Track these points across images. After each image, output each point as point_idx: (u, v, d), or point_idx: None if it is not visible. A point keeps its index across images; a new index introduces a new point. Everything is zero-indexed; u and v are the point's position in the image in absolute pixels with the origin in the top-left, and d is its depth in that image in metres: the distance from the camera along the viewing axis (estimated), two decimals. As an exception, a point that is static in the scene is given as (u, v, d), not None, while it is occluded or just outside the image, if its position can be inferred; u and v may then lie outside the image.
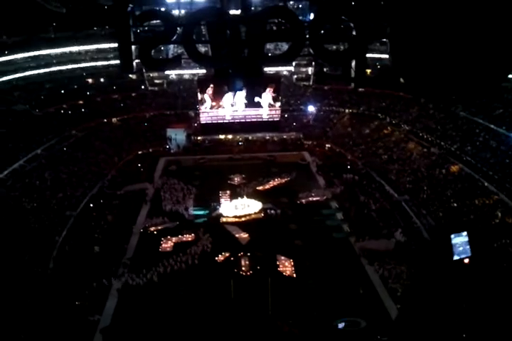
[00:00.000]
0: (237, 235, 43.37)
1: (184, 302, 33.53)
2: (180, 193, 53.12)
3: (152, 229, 44.96)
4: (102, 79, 73.32)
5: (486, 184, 44.55)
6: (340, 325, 30.35)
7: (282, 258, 38.85)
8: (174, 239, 42.70)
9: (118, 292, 35.33)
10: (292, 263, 38.11)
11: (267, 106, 60.58)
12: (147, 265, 37.94)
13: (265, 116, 61.34)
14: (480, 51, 6.95)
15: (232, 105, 60.96)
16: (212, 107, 62.09)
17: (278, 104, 62.39)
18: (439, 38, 6.94)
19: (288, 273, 37.19)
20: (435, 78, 7.25)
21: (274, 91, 60.27)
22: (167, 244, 41.99)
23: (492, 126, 51.61)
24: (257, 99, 60.76)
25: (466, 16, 6.74)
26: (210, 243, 41.65)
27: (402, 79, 7.68)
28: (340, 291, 34.25)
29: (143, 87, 74.57)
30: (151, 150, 65.94)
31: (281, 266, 37.97)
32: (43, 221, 43.47)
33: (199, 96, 61.84)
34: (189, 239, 42.81)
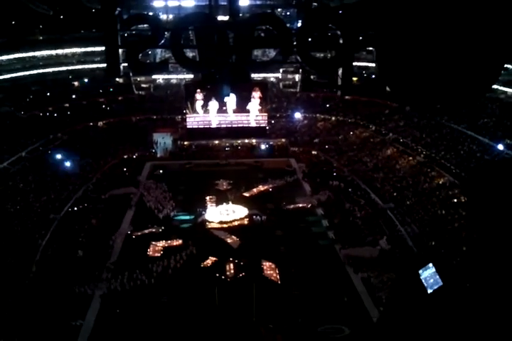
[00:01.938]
0: (228, 239, 43.29)
1: (168, 308, 33.33)
2: (157, 191, 54.16)
3: (138, 233, 44.63)
4: (88, 83, 72.85)
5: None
6: None
7: (267, 263, 38.81)
8: (162, 244, 42.45)
9: (101, 297, 34.99)
10: (277, 269, 38.07)
11: (255, 112, 60.61)
12: (131, 270, 37.63)
13: (252, 122, 61.38)
14: (465, 61, 7.02)
15: (218, 110, 60.97)
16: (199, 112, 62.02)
17: (264, 110, 62.43)
18: (425, 47, 7.00)
19: (273, 278, 37.16)
20: (420, 87, 7.30)
21: (260, 97, 60.32)
22: (156, 249, 41.73)
23: (476, 135, 52.19)
24: (243, 105, 60.76)
25: (452, 26, 6.81)
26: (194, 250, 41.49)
27: (387, 88, 7.72)
28: (324, 298, 34.23)
29: (129, 90, 74.31)
30: (136, 154, 65.64)
31: (266, 271, 37.93)
32: (26, 224, 42.99)
33: (186, 100, 61.76)
34: (177, 244, 42.56)
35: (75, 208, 49.47)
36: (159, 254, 40.84)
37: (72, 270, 37.44)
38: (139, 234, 44.52)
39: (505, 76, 49.84)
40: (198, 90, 59.31)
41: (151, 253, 41.22)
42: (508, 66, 48.14)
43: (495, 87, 52.53)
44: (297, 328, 30.97)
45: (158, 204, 51.09)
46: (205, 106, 60.87)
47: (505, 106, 53.48)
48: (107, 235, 43.78)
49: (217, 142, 67.75)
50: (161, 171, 61.13)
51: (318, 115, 73.09)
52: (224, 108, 61.16)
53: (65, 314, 32.40)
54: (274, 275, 37.45)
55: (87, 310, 33.47)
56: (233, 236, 43.67)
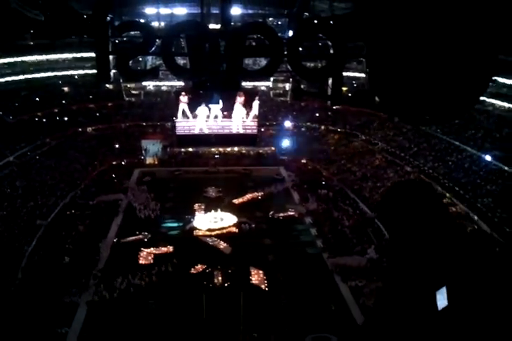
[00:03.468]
0: (220, 246, 43.21)
1: (155, 316, 33.09)
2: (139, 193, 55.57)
3: (126, 240, 44.29)
4: (78, 88, 72.54)
5: (457, 203, 45.23)
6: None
7: (255, 271, 38.75)
8: (152, 251, 42.19)
9: (87, 304, 34.69)
10: (265, 277, 38.01)
11: (240, 119, 60.58)
12: (118, 277, 37.38)
13: (240, 130, 61.30)
14: (454, 73, 7.09)
15: (207, 117, 60.88)
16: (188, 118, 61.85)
17: (254, 118, 62.26)
18: (414, 59, 7.07)
19: (260, 286, 37.13)
20: (409, 98, 7.36)
21: (244, 103, 60.22)
22: (146, 256, 41.46)
23: (464, 146, 52.68)
24: (233, 112, 60.75)
25: (441, 38, 6.88)
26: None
27: (377, 98, 7.78)
28: (312, 307, 34.16)
29: (119, 97, 74.12)
30: (125, 161, 65.39)
31: (254, 279, 37.89)
32: (12, 230, 42.58)
33: (176, 108, 61.61)
34: (167, 251, 42.38)
35: (63, 214, 49.07)
36: (149, 262, 40.61)
37: (59, 277, 37.10)
38: (127, 240, 44.23)
39: (493, 88, 50.44)
40: (188, 97, 59.18)
41: (141, 260, 40.97)
42: (496, 78, 48.89)
43: (483, 98, 53.19)
44: (284, 337, 30.88)
45: (141, 205, 52.00)
46: (194, 113, 60.73)
47: (493, 118, 54.02)
48: (95, 242, 43.47)
49: (206, 149, 67.73)
50: (148, 178, 60.98)
51: (307, 124, 73.29)
52: (213, 115, 61.04)
53: (51, 321, 32.10)
54: (262, 283, 37.40)
55: (73, 317, 33.19)
56: (224, 243, 43.66)
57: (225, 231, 46.57)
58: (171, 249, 42.61)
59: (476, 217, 42.27)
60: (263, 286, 37.13)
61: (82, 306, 34.46)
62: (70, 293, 35.28)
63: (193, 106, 59.00)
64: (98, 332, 31.62)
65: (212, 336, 30.32)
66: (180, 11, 41.99)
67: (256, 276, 38.17)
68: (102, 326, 32.22)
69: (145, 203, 52.59)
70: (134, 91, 76.16)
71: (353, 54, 8.78)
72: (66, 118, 67.44)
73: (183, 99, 58.21)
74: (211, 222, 47.69)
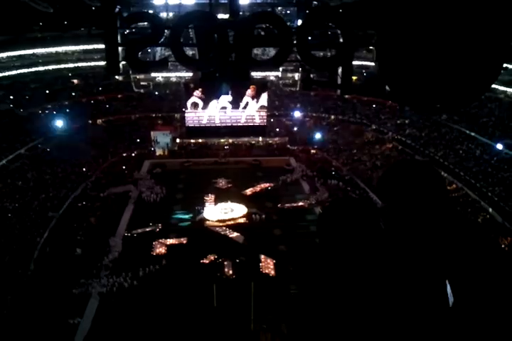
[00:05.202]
0: (231, 235, 43.41)
1: (166, 306, 33.30)
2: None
3: (137, 232, 44.59)
4: (87, 81, 72.70)
5: (468, 192, 45.02)
6: None
7: (265, 259, 38.94)
8: (164, 241, 42.50)
9: (99, 295, 35.00)
10: (274, 266, 38.21)
11: (253, 110, 60.52)
12: (129, 268, 37.64)
13: (249, 120, 61.27)
14: (465, 60, 7.01)
15: (217, 108, 60.89)
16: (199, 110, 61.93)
17: (262, 108, 62.16)
18: (425, 47, 6.99)
19: (270, 273, 37.52)
20: (420, 86, 7.30)
21: (254, 95, 60.08)
22: (160, 247, 41.76)
23: (475, 135, 52.31)
24: (242, 103, 60.69)
25: (452, 25, 6.80)
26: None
27: (387, 87, 7.72)
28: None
29: (129, 88, 74.16)
30: (136, 152, 65.59)
31: (263, 266, 38.27)
32: (24, 222, 42.97)
33: (186, 99, 61.65)
34: (180, 242, 42.71)
35: (74, 206, 49.42)
36: (162, 253, 40.90)
37: (71, 268, 37.44)
38: (138, 232, 44.48)
39: (505, 76, 49.95)
40: (197, 88, 59.20)
41: (155, 250, 41.28)
42: (508, 65, 48.36)
43: (494, 86, 52.67)
44: (295, 327, 31.00)
45: (148, 190, 53.24)
46: (204, 104, 60.77)
47: (504, 106, 53.55)
48: (106, 233, 43.76)
49: (216, 140, 67.81)
50: (159, 170, 61.20)
51: (318, 114, 73.02)
52: (223, 106, 61.05)
53: (63, 312, 32.44)
54: (272, 271, 37.58)
55: (85, 307, 33.51)
56: (235, 233, 43.97)
57: (235, 222, 46.68)
58: (184, 240, 42.83)
59: (490, 209, 42.01)
60: (273, 273, 37.40)
61: (95, 297, 34.77)
62: (82, 284, 35.60)
63: (205, 97, 59.14)
64: (110, 322, 31.92)
65: (223, 326, 30.50)
66: (189, 1, 41.66)
67: (266, 265, 38.34)
68: (113, 316, 32.52)
69: (150, 187, 53.77)
70: (143, 83, 76.14)
71: (362, 42, 8.72)
72: (76, 111, 67.55)
73: (197, 93, 58.44)
74: (221, 212, 47.82)
